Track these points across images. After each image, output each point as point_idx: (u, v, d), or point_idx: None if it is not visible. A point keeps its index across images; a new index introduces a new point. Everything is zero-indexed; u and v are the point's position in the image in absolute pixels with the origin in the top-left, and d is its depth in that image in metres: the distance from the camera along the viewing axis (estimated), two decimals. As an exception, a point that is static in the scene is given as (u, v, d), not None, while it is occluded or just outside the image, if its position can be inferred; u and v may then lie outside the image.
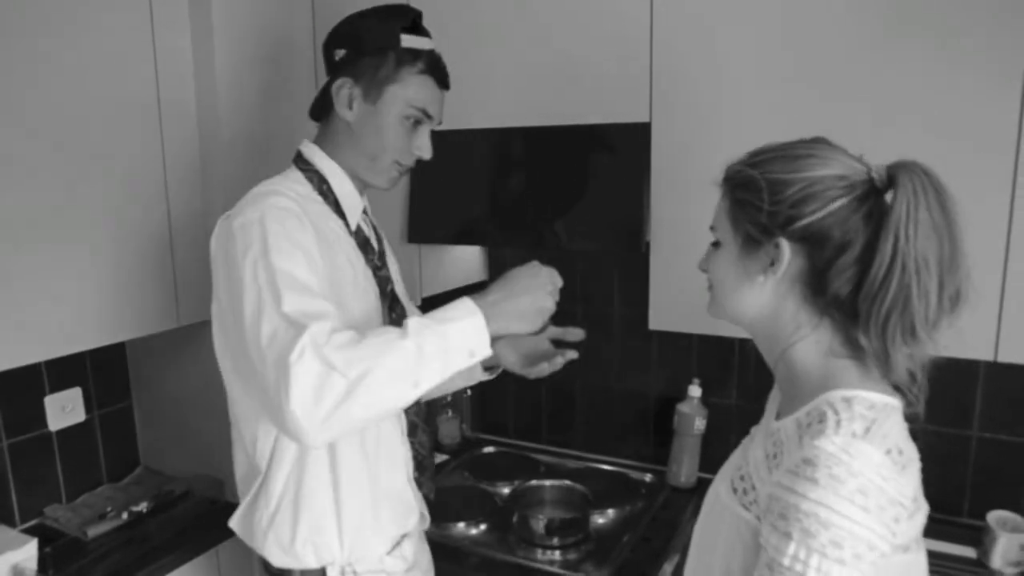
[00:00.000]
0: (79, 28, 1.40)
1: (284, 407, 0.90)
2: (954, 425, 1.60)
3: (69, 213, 1.41)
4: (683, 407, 1.82)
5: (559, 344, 1.28)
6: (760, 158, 0.84)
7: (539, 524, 1.56)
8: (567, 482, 1.77)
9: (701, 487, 1.79)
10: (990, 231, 1.23)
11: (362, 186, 1.22)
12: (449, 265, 1.96)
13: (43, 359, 1.42)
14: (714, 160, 0.90)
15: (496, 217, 1.64)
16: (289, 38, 1.76)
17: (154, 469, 1.89)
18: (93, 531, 1.58)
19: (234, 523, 1.20)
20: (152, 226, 1.57)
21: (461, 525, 1.65)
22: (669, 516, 1.69)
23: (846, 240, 0.78)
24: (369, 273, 1.20)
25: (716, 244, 0.89)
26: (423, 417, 1.29)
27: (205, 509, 1.73)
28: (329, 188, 1.18)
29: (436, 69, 1.17)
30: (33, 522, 1.66)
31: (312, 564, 1.15)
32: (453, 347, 0.95)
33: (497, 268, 2.12)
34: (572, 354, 1.23)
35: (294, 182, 1.17)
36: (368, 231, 1.26)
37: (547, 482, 1.79)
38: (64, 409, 1.72)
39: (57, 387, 1.71)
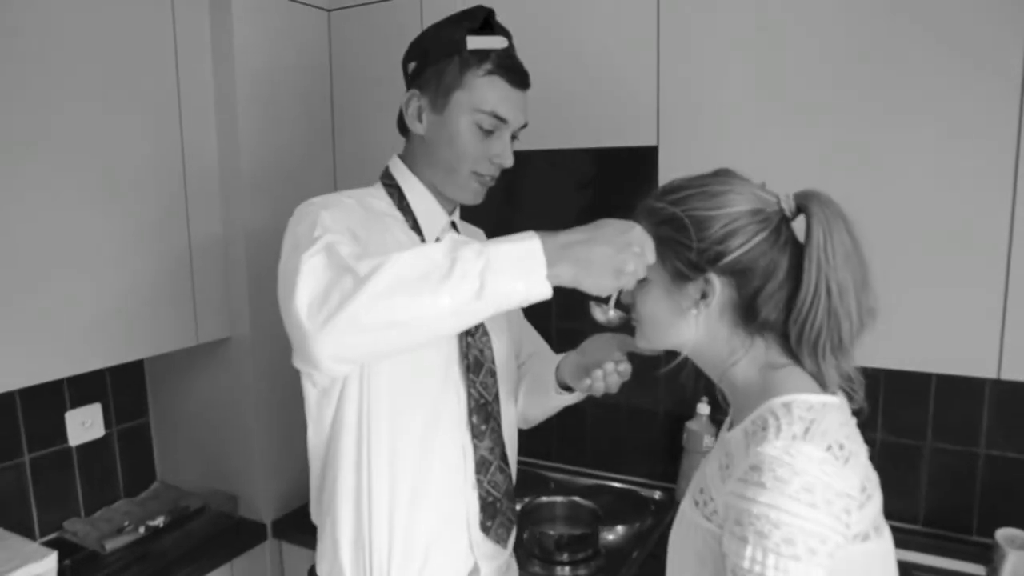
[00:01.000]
0: (104, 58, 1.45)
1: (291, 307, 0.83)
2: (961, 443, 1.60)
3: (92, 233, 1.45)
4: (692, 425, 1.83)
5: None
6: (678, 195, 0.87)
7: (549, 540, 1.58)
8: (577, 499, 1.78)
9: (710, 504, 1.79)
10: (991, 248, 1.25)
11: (449, 203, 1.16)
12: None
13: (65, 375, 1.45)
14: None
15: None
16: (306, 66, 1.81)
17: (171, 484, 1.92)
18: (111, 545, 1.61)
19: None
20: (173, 247, 1.61)
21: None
22: (678, 533, 1.69)
23: (769, 269, 0.83)
24: None
25: (641, 280, 0.89)
26: (499, 454, 1.19)
27: (221, 524, 1.75)
28: (408, 205, 1.14)
29: (507, 68, 1.08)
30: (52, 535, 1.69)
31: None
32: (497, 269, 0.79)
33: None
34: (626, 367, 1.10)
35: (374, 197, 1.14)
36: None
37: (557, 498, 1.80)
38: (84, 424, 1.75)
39: (77, 403, 1.74)
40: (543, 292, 0.82)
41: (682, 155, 1.49)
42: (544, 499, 1.80)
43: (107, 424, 1.81)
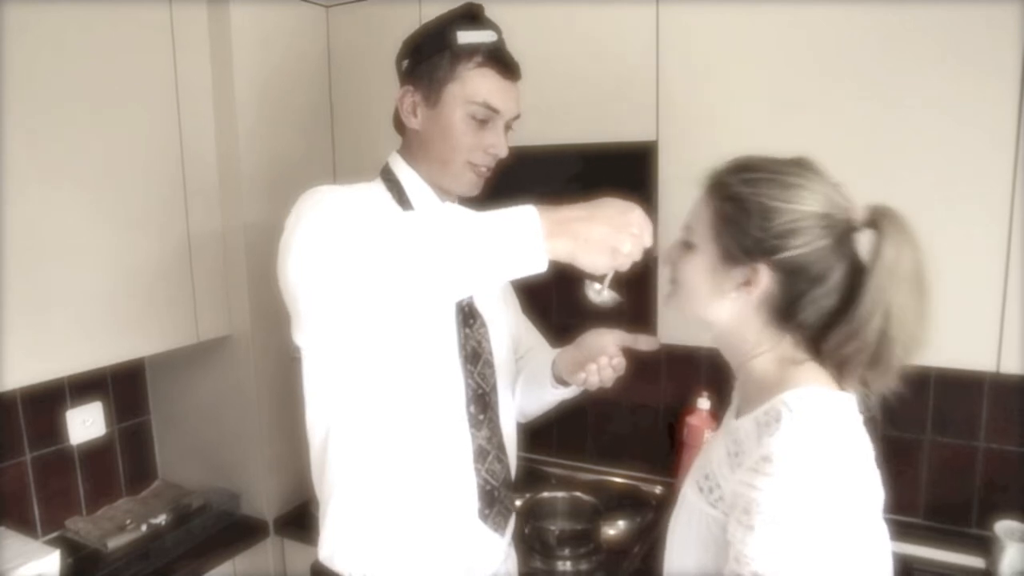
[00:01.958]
0: (103, 54, 1.44)
1: (286, 268, 0.89)
2: (961, 436, 1.61)
3: (92, 232, 1.45)
4: (692, 419, 1.84)
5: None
6: (750, 176, 0.83)
7: (550, 535, 1.58)
8: (578, 494, 1.79)
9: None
10: (990, 244, 1.25)
11: (447, 196, 1.17)
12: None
13: (66, 374, 1.45)
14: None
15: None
16: (304, 61, 1.81)
17: (172, 482, 1.92)
18: (113, 543, 1.61)
19: None
20: (172, 246, 1.61)
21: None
22: (679, 527, 1.70)
23: (821, 275, 0.81)
24: None
25: (688, 245, 0.88)
26: (497, 444, 1.21)
27: (222, 522, 1.76)
28: (408, 199, 1.15)
29: (497, 60, 1.10)
30: (55, 534, 1.70)
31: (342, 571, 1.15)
32: (493, 238, 0.80)
33: (514, 286, 2.14)
34: (620, 362, 1.13)
35: (374, 191, 1.16)
36: None
37: (558, 494, 1.81)
38: (85, 423, 1.76)
39: (78, 402, 1.75)
40: (539, 264, 0.81)
41: (682, 149, 1.49)
42: (545, 494, 1.81)
43: (108, 422, 1.81)
